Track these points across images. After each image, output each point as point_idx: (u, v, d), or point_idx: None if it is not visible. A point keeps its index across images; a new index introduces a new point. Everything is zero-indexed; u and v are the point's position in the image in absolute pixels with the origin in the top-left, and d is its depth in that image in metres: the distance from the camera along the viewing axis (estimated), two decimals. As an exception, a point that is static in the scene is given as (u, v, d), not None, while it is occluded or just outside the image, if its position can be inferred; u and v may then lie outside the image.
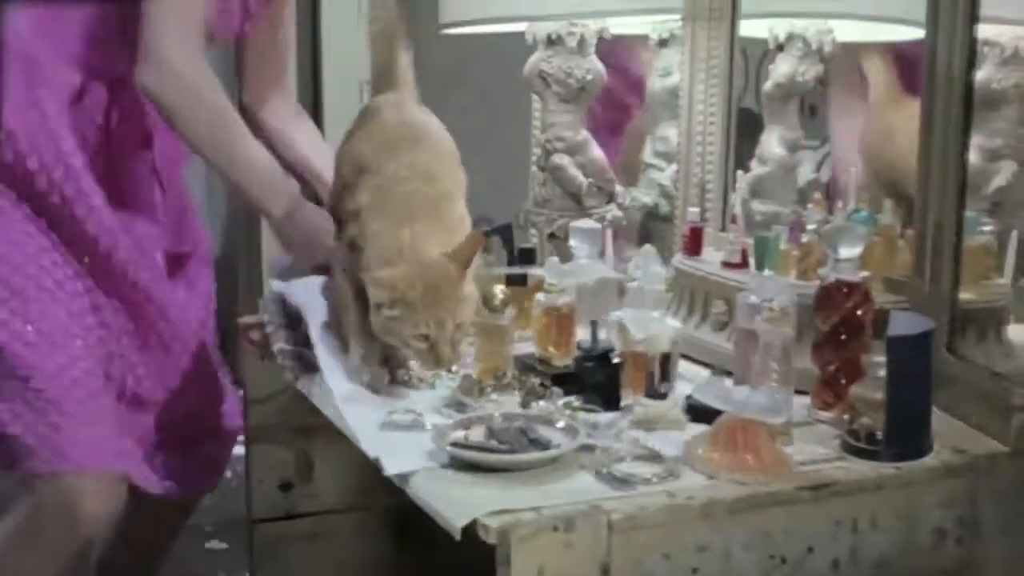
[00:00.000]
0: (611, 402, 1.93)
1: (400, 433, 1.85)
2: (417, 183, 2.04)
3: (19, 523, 2.31)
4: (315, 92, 4.30)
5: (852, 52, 2.53)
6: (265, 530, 2.55)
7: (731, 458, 1.70)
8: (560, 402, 1.93)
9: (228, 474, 3.80)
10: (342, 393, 1.99)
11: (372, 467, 1.83)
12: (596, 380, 1.95)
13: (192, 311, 2.55)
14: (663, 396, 1.91)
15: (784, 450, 1.76)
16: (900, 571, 1.76)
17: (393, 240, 1.98)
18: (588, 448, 1.77)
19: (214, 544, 3.58)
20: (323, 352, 2.09)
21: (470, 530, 1.57)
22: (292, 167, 2.53)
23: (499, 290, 2.04)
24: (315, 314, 2.16)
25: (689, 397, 1.91)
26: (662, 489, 1.66)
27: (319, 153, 2.47)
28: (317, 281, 2.25)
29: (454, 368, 2.02)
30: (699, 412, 1.86)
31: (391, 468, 1.74)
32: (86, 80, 2.36)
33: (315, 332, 2.13)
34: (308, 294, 2.22)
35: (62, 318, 2.31)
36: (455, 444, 1.75)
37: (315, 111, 3.89)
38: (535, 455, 1.72)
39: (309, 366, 2.13)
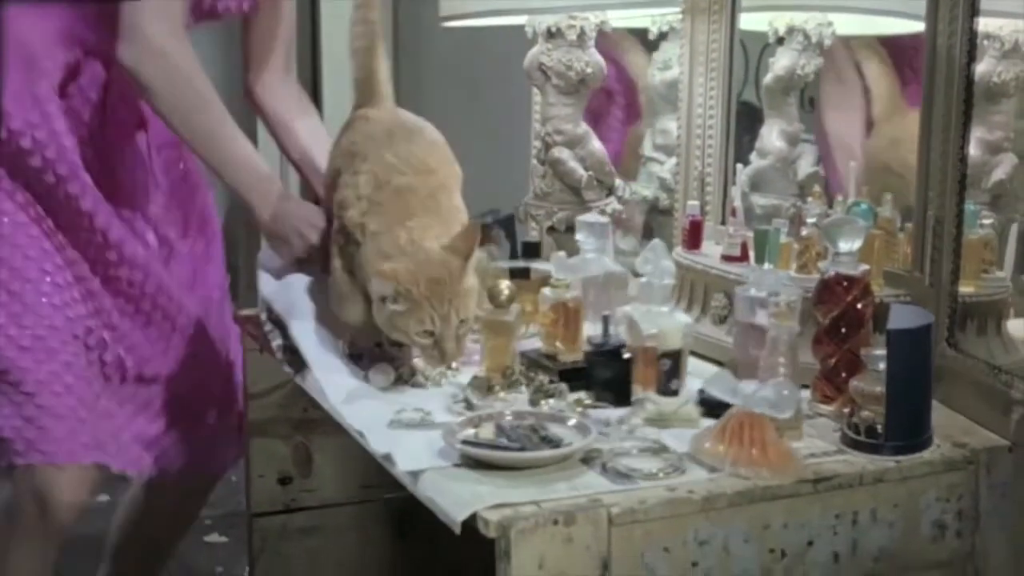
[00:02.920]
0: (622, 398, 1.92)
1: (409, 431, 1.83)
2: (413, 176, 2.05)
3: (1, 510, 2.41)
4: (314, 90, 4.31)
5: (847, 49, 2.52)
6: (264, 524, 2.55)
7: (737, 452, 1.69)
8: (571, 399, 1.92)
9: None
10: (338, 395, 1.99)
11: (371, 461, 1.83)
12: (607, 376, 1.94)
13: (205, 285, 2.58)
14: (675, 393, 1.90)
15: (792, 445, 1.76)
16: (900, 564, 1.76)
17: (393, 235, 1.98)
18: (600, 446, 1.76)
19: (213, 537, 3.58)
20: (313, 355, 2.09)
21: (470, 524, 1.57)
22: (291, 155, 2.54)
23: (505, 285, 2.01)
24: (301, 316, 2.17)
25: (701, 391, 1.90)
26: (663, 483, 1.66)
27: (320, 143, 2.47)
28: (301, 283, 2.25)
29: (455, 365, 2.02)
30: (712, 406, 1.85)
31: (404, 464, 1.72)
32: (82, 57, 2.36)
33: (302, 339, 2.13)
34: (292, 297, 2.23)
35: (58, 323, 2.34)
36: (466, 442, 1.73)
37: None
38: (547, 453, 1.71)
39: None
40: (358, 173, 2.08)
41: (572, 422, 1.81)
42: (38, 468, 2.33)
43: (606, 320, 1.99)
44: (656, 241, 2.06)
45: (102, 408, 2.43)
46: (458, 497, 1.61)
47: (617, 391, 1.92)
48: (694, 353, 2.11)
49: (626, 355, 1.94)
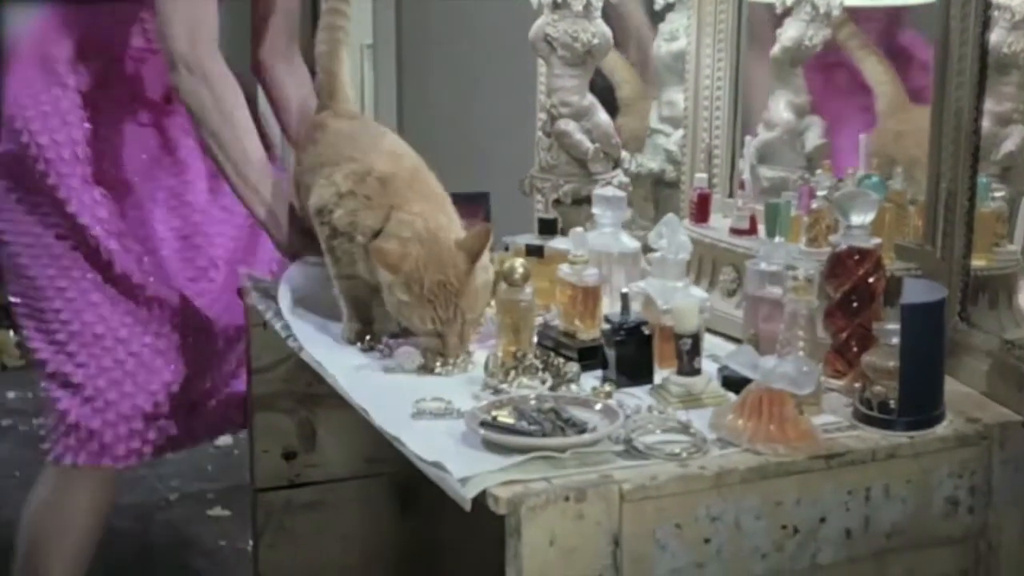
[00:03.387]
0: (642, 376, 1.89)
1: (432, 421, 1.79)
2: (390, 162, 2.11)
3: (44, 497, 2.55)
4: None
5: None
6: (268, 498, 2.54)
7: (755, 427, 1.68)
8: (589, 388, 1.88)
9: (230, 441, 3.82)
10: (347, 376, 1.98)
11: (376, 435, 1.81)
12: (629, 354, 1.91)
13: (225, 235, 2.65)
14: (697, 372, 1.87)
15: (810, 420, 1.75)
16: (913, 540, 1.75)
17: (406, 220, 2.01)
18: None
19: (217, 511, 3.59)
20: (311, 344, 2.12)
21: (479, 501, 1.56)
22: (289, 133, 2.62)
23: (519, 263, 1.99)
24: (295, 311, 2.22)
25: (723, 368, 1.88)
26: (677, 459, 1.65)
27: None
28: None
29: (457, 359, 2.01)
30: (734, 383, 1.84)
31: (459, 472, 1.61)
32: (82, 50, 2.44)
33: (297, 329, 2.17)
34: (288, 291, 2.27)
35: (91, 322, 2.47)
36: (484, 424, 1.70)
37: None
38: (574, 439, 1.66)
39: None
40: (333, 173, 2.12)
41: (599, 406, 1.78)
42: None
43: (625, 297, 1.95)
44: (670, 215, 2.04)
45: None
46: (468, 474, 1.59)
47: (638, 369, 1.90)
48: (714, 331, 2.10)
49: (647, 332, 1.92)
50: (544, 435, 1.67)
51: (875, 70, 2.48)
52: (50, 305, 2.46)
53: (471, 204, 2.45)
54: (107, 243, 2.44)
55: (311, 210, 2.16)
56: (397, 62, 4.08)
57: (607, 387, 1.87)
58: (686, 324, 1.86)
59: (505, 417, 1.72)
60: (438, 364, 1.98)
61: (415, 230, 1.98)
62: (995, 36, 2.09)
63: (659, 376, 1.91)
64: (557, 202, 2.56)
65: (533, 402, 1.78)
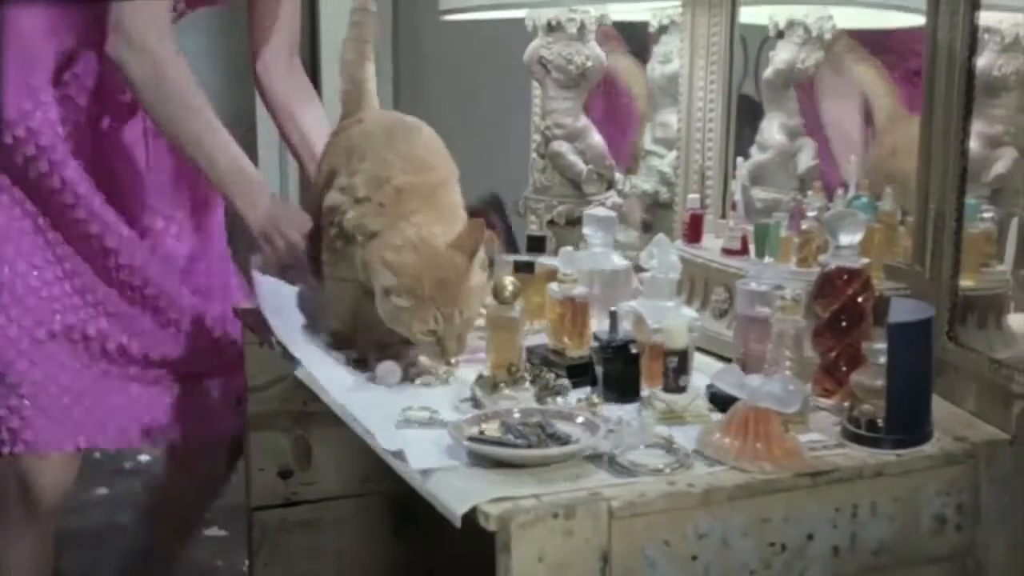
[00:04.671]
0: (629, 394, 1.90)
1: (417, 430, 1.81)
2: (414, 174, 2.05)
3: None
4: (314, 81, 4.30)
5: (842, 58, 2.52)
6: (264, 517, 2.55)
7: (741, 446, 1.69)
8: (578, 398, 1.90)
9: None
10: (340, 390, 1.99)
11: (372, 455, 1.82)
12: (616, 371, 1.91)
13: (209, 269, 2.61)
14: (683, 389, 1.89)
15: (796, 438, 1.76)
16: (900, 558, 1.76)
17: (399, 229, 1.98)
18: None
19: (213, 531, 3.58)
20: (306, 356, 2.11)
21: (470, 517, 1.57)
22: (290, 140, 2.60)
23: (509, 281, 2.00)
24: (291, 324, 2.21)
25: (710, 386, 1.90)
26: (665, 477, 1.66)
27: (320, 130, 2.50)
28: (290, 292, 2.30)
29: (454, 361, 2.02)
30: (721, 401, 1.85)
31: (416, 463, 1.69)
32: (76, 46, 2.40)
33: (292, 343, 2.15)
34: (282, 303, 2.26)
35: (44, 316, 2.41)
36: (472, 439, 1.72)
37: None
38: (555, 450, 1.69)
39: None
40: (354, 174, 2.08)
41: (580, 419, 1.79)
42: (22, 457, 2.40)
43: (613, 315, 1.96)
44: (660, 235, 2.05)
45: (98, 391, 2.47)
46: (457, 490, 1.61)
47: (625, 387, 1.91)
48: (705, 351, 2.12)
49: (634, 350, 1.93)
50: (530, 447, 1.69)
51: (872, 82, 2.48)
52: None
53: (483, 212, 2.44)
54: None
55: (324, 207, 2.13)
56: (393, 85, 4.10)
57: (594, 398, 1.88)
58: (675, 342, 1.88)
59: (493, 431, 1.75)
60: (419, 380, 1.98)
61: (405, 237, 1.97)
62: (985, 59, 2.11)
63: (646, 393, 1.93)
64: (551, 223, 2.58)
65: (517, 415, 1.80)
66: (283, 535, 2.56)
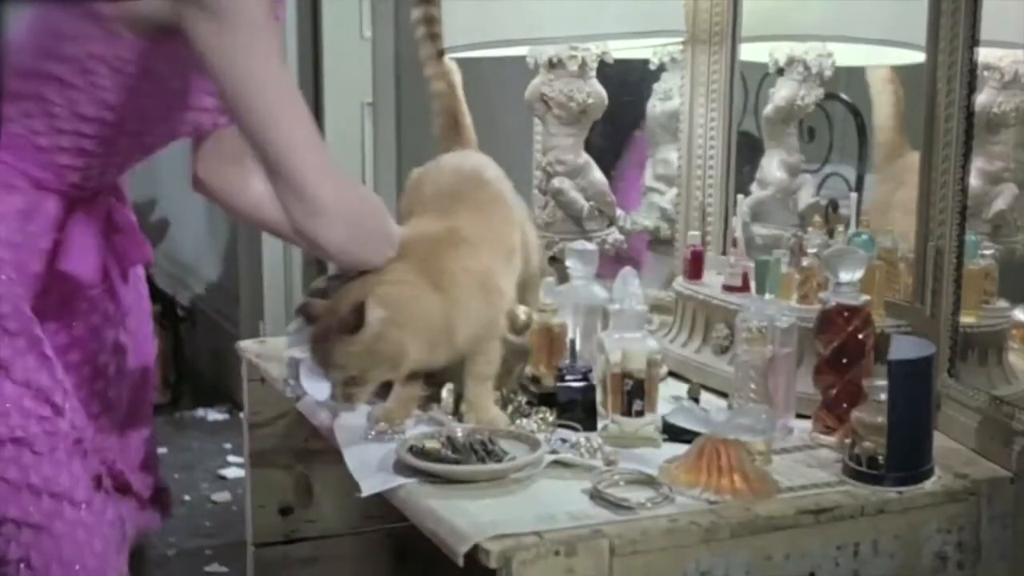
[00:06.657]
0: (586, 419, 1.97)
1: (377, 445, 1.89)
2: (439, 224, 2.03)
3: None
4: (316, 94, 4.33)
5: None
6: (265, 554, 2.55)
7: (717, 479, 1.71)
8: (537, 417, 1.96)
9: (229, 497, 3.82)
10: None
11: (372, 491, 1.83)
12: (574, 399, 1.98)
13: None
14: (639, 414, 1.92)
15: (765, 469, 1.78)
16: (902, 596, 1.76)
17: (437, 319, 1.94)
18: (562, 464, 1.81)
19: (214, 568, 3.58)
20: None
21: (471, 555, 1.57)
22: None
23: (522, 311, 2.05)
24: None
25: (664, 418, 1.94)
26: (664, 513, 1.66)
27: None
28: None
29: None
30: (675, 431, 1.90)
31: (367, 488, 1.76)
32: (37, 195, 2.02)
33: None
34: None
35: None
36: (410, 451, 1.80)
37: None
38: (483, 467, 1.77)
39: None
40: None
41: (526, 439, 1.86)
42: None
43: (572, 344, 2.06)
44: (627, 268, 2.06)
45: None
46: (457, 526, 1.61)
47: (581, 413, 1.97)
48: (704, 387, 2.16)
49: (589, 380, 1.99)
50: (458, 463, 1.77)
51: (882, 113, 2.45)
52: None
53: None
54: None
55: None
56: (396, 120, 4.12)
57: (548, 416, 1.95)
58: (631, 365, 1.92)
59: (433, 446, 1.82)
60: (377, 427, 1.95)
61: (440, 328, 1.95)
62: (984, 96, 2.12)
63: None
64: (553, 259, 2.58)
65: (460, 433, 1.85)
66: (284, 572, 2.56)
